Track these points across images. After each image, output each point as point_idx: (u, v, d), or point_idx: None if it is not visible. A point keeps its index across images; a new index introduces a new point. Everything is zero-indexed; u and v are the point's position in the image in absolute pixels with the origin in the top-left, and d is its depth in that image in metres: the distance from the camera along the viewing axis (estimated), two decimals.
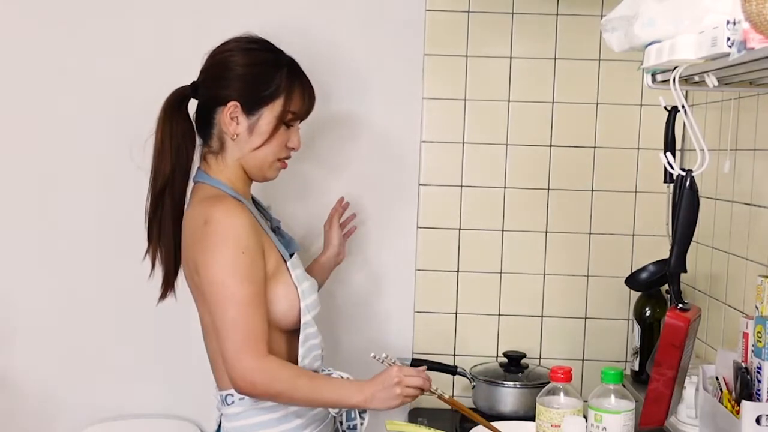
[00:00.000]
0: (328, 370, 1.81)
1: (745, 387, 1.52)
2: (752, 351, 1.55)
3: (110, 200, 2.28)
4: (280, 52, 1.77)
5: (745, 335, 1.58)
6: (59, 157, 2.28)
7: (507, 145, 2.28)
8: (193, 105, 1.78)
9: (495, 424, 1.82)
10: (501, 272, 2.31)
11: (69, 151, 2.28)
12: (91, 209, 2.29)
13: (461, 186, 2.29)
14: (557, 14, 2.25)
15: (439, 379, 2.22)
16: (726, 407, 1.55)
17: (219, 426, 1.76)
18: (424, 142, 2.29)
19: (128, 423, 2.31)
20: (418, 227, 2.31)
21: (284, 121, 1.74)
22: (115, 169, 2.24)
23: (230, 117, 1.71)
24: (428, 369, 2.14)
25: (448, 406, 1.81)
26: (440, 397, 1.76)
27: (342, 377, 1.78)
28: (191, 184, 1.78)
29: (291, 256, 1.77)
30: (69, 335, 2.30)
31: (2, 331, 2.29)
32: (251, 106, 1.71)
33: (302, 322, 1.71)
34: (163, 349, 2.31)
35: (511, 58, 2.26)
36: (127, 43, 2.25)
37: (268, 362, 1.61)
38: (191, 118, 1.78)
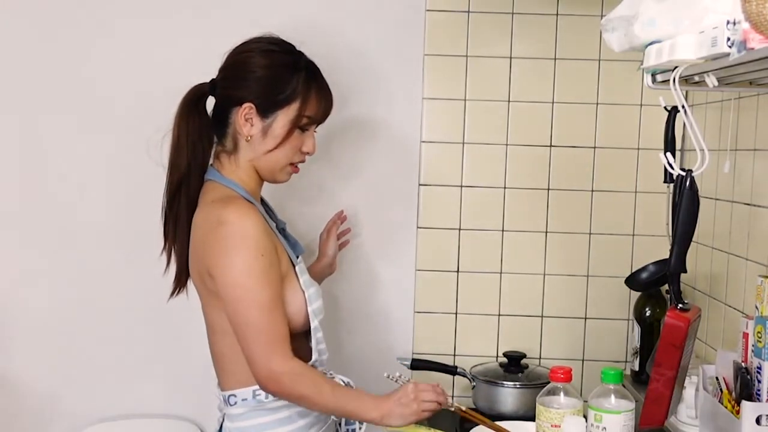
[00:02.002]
0: (330, 374, 1.81)
1: (745, 387, 1.52)
2: (752, 351, 1.55)
3: (115, 199, 2.28)
4: (300, 54, 1.76)
5: (745, 335, 1.58)
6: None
7: (507, 145, 2.28)
8: (211, 102, 1.78)
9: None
10: (501, 272, 2.31)
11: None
12: (95, 208, 2.29)
13: (461, 186, 2.29)
14: (557, 14, 2.25)
15: (439, 380, 2.22)
16: (726, 407, 1.55)
17: (221, 426, 1.76)
18: (424, 142, 2.29)
19: (128, 423, 2.31)
20: (418, 227, 2.31)
21: (299, 125, 1.73)
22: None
23: (245, 118, 1.70)
24: (428, 369, 2.16)
25: (449, 406, 1.80)
26: (457, 410, 1.76)
27: (343, 382, 1.78)
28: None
29: (297, 258, 1.78)
30: (69, 335, 2.30)
31: (2, 331, 2.29)
32: (266, 109, 1.70)
33: (312, 327, 1.72)
34: (164, 349, 2.31)
35: (511, 58, 2.26)
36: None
37: (295, 364, 1.62)
38: (209, 115, 1.78)
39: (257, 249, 1.62)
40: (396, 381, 1.74)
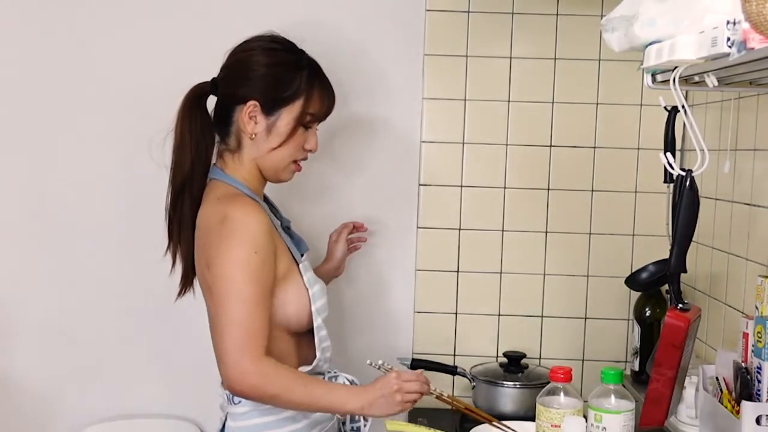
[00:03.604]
0: (334, 372, 1.81)
1: (745, 387, 1.52)
2: (752, 351, 1.55)
3: (117, 200, 2.28)
4: (301, 52, 1.77)
5: (745, 335, 1.58)
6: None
7: (507, 145, 2.28)
8: (212, 101, 1.78)
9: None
10: (501, 272, 2.31)
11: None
12: (96, 209, 2.28)
13: (461, 186, 2.29)
14: (557, 14, 2.25)
15: (439, 379, 2.22)
16: (726, 407, 1.55)
17: (223, 426, 1.76)
18: (424, 142, 2.29)
19: (128, 423, 2.31)
20: (418, 227, 2.31)
21: (302, 123, 1.74)
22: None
23: (249, 116, 1.71)
24: (428, 369, 2.16)
25: (449, 406, 1.80)
26: (439, 397, 1.76)
27: (348, 380, 1.78)
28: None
29: (302, 256, 1.78)
30: (70, 335, 2.30)
31: (2, 331, 2.29)
32: (270, 107, 1.71)
33: (315, 325, 1.72)
34: (164, 349, 2.31)
35: (511, 58, 2.26)
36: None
37: (265, 364, 1.60)
38: (210, 114, 1.78)
39: (252, 245, 1.62)
40: (379, 368, 1.72)
